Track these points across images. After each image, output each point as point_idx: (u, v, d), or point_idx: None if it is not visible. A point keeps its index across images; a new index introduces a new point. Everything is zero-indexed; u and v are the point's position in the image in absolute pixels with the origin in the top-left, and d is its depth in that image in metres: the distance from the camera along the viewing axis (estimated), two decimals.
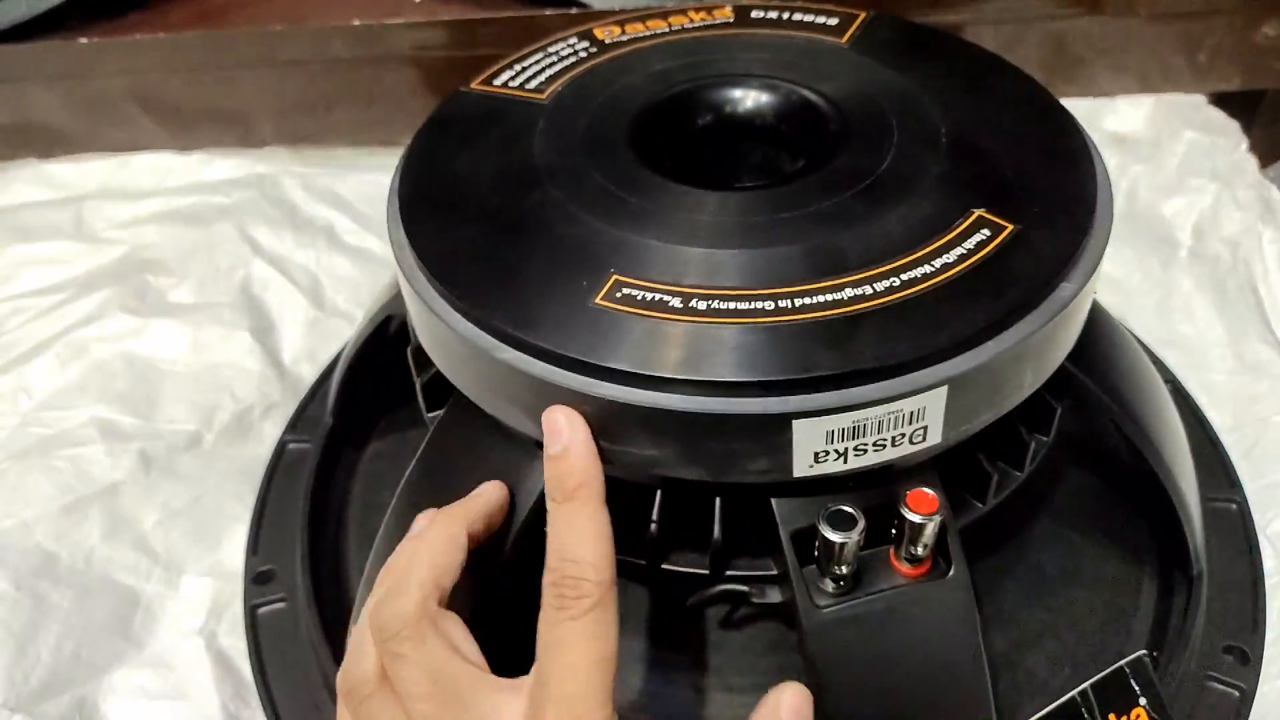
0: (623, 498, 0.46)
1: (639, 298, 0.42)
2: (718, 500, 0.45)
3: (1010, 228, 0.44)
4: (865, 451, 0.41)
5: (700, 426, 0.40)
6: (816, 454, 0.41)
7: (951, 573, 0.44)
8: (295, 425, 0.72)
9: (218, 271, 0.81)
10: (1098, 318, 0.54)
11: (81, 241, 0.85)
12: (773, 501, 0.44)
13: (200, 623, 0.60)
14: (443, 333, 0.45)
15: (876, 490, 0.44)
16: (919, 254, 0.43)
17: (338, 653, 0.54)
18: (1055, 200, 0.46)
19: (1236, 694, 0.55)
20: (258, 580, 0.62)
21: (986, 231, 0.44)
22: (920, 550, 0.44)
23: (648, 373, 0.40)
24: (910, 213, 0.45)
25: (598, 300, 0.42)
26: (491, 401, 0.44)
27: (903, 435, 0.41)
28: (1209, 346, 0.73)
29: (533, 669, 0.40)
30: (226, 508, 0.67)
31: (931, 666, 0.44)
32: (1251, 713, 0.55)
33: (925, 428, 0.41)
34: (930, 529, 0.43)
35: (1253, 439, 0.68)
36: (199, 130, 0.92)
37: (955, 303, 0.41)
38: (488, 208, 0.48)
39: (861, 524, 0.42)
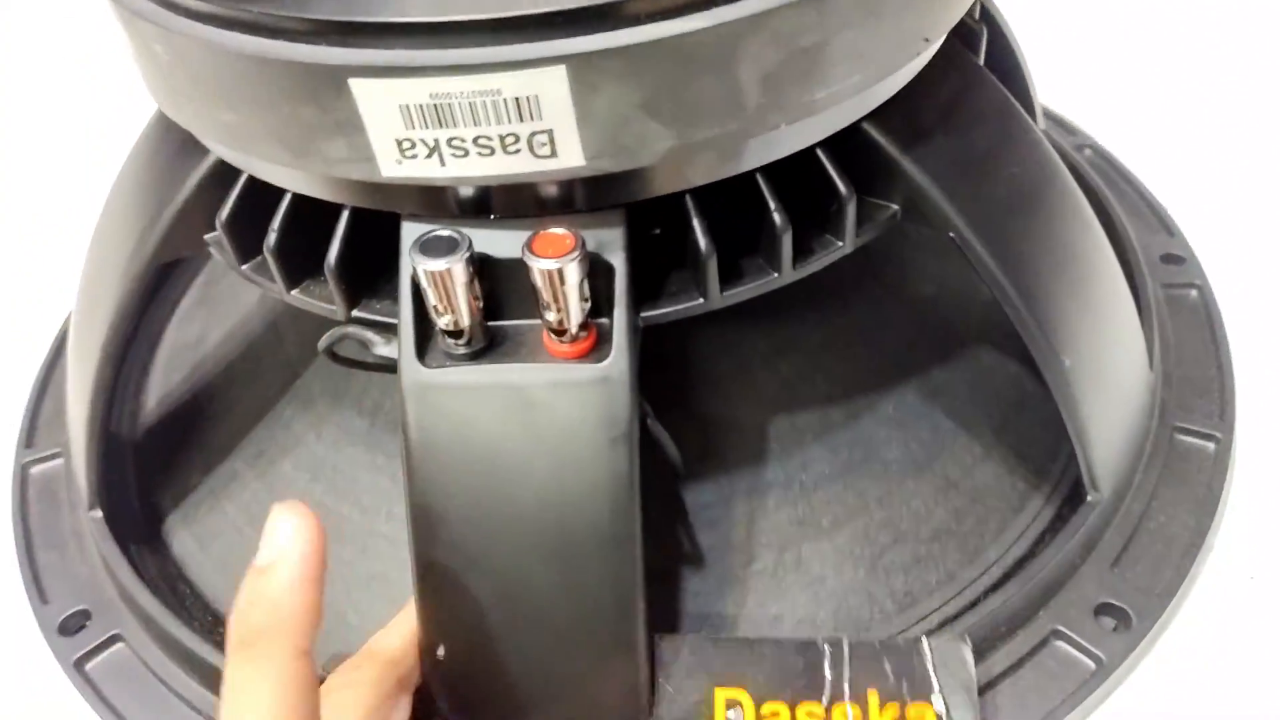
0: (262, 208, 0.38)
1: None
2: (344, 213, 0.36)
3: None
4: (465, 153, 0.30)
5: (252, 77, 0.31)
6: (401, 143, 0.30)
7: (608, 360, 0.33)
8: None
9: None
10: (965, 70, 0.39)
11: None
12: (402, 224, 0.34)
13: None
14: None
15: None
16: None
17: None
18: None
19: (1092, 664, 0.40)
20: None
21: None
22: (554, 316, 0.33)
23: (187, 1, 0.31)
24: None
25: None
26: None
27: (515, 138, 0.30)
28: None
29: None
30: None
31: (559, 476, 0.34)
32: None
33: (549, 133, 0.30)
34: (570, 285, 0.32)
35: None
36: None
37: None
38: None
39: (465, 253, 0.32)
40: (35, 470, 0.53)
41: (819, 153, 0.35)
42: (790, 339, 0.45)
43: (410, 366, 0.34)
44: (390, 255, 0.35)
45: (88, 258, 0.46)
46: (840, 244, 0.37)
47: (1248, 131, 0.66)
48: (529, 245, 0.32)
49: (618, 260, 0.33)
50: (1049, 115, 0.65)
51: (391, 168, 0.31)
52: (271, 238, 0.37)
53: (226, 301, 0.56)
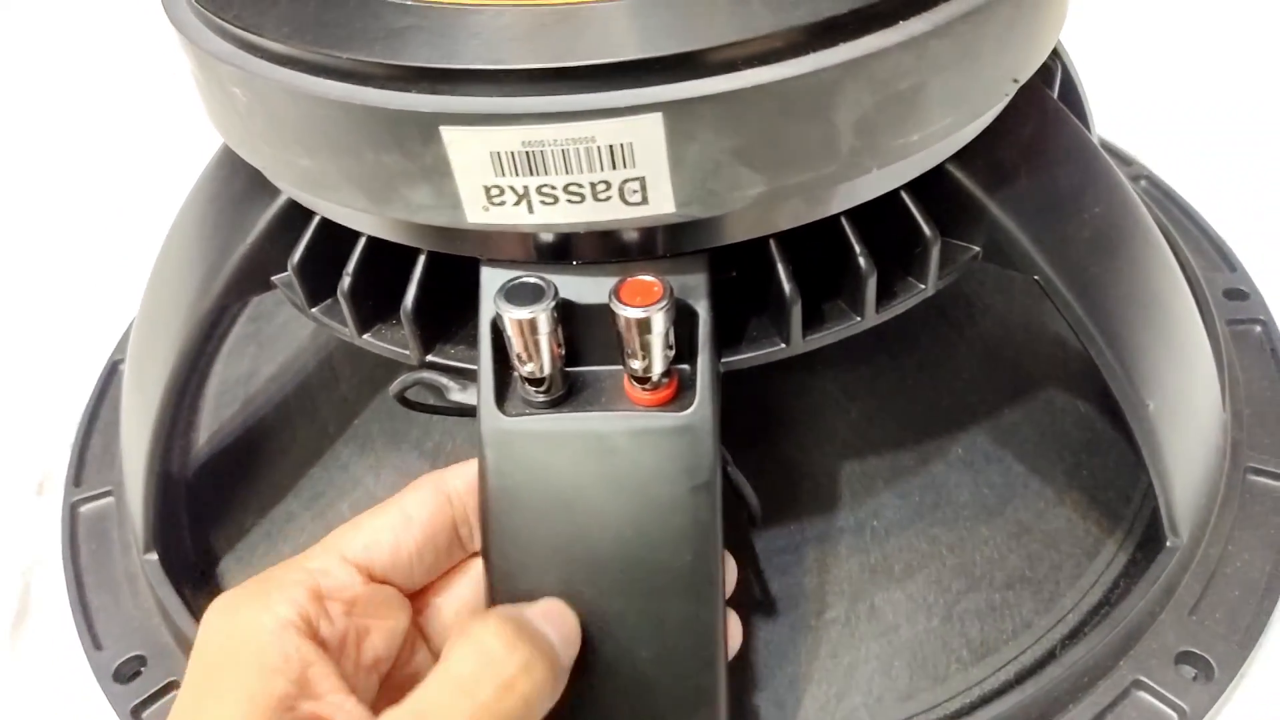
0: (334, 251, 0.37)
1: None
2: (421, 258, 0.35)
3: None
4: (555, 200, 0.30)
5: (337, 123, 0.30)
6: (489, 190, 0.30)
7: (691, 408, 0.33)
8: None
9: None
10: (1045, 108, 0.39)
11: None
12: (481, 270, 0.34)
13: None
14: None
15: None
16: None
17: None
18: None
19: (1175, 715, 0.39)
20: None
21: None
22: (639, 364, 0.32)
23: (271, 45, 0.31)
24: None
25: None
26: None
27: (606, 186, 0.29)
28: None
29: None
30: None
31: (640, 525, 0.33)
32: None
33: (641, 180, 0.29)
34: (656, 334, 0.31)
35: None
36: None
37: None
38: None
39: (551, 300, 0.31)
40: (85, 509, 0.52)
41: (903, 195, 0.35)
42: (860, 381, 0.44)
43: (490, 414, 0.33)
44: (465, 299, 0.35)
45: (145, 298, 0.46)
46: (923, 286, 0.36)
47: None
48: (616, 293, 0.31)
49: (701, 307, 0.33)
50: (1103, 146, 0.64)
51: (478, 214, 0.31)
52: (346, 281, 0.36)
53: (277, 338, 0.56)
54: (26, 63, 0.94)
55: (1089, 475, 0.45)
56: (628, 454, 0.33)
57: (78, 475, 0.54)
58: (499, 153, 0.29)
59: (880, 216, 0.35)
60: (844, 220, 0.34)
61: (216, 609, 0.30)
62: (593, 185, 0.30)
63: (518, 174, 0.29)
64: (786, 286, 0.33)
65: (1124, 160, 0.64)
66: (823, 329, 0.35)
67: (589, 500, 0.33)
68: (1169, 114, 0.71)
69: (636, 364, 0.32)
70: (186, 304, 0.41)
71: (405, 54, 0.29)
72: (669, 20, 0.29)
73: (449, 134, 0.29)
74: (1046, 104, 0.39)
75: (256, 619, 0.29)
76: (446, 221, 0.31)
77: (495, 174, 0.30)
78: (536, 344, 0.32)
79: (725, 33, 0.28)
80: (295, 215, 0.38)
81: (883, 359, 0.45)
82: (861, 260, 0.34)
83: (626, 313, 0.31)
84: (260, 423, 0.52)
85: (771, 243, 0.34)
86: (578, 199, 0.30)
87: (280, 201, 0.38)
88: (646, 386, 0.33)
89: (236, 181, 0.41)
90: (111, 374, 0.60)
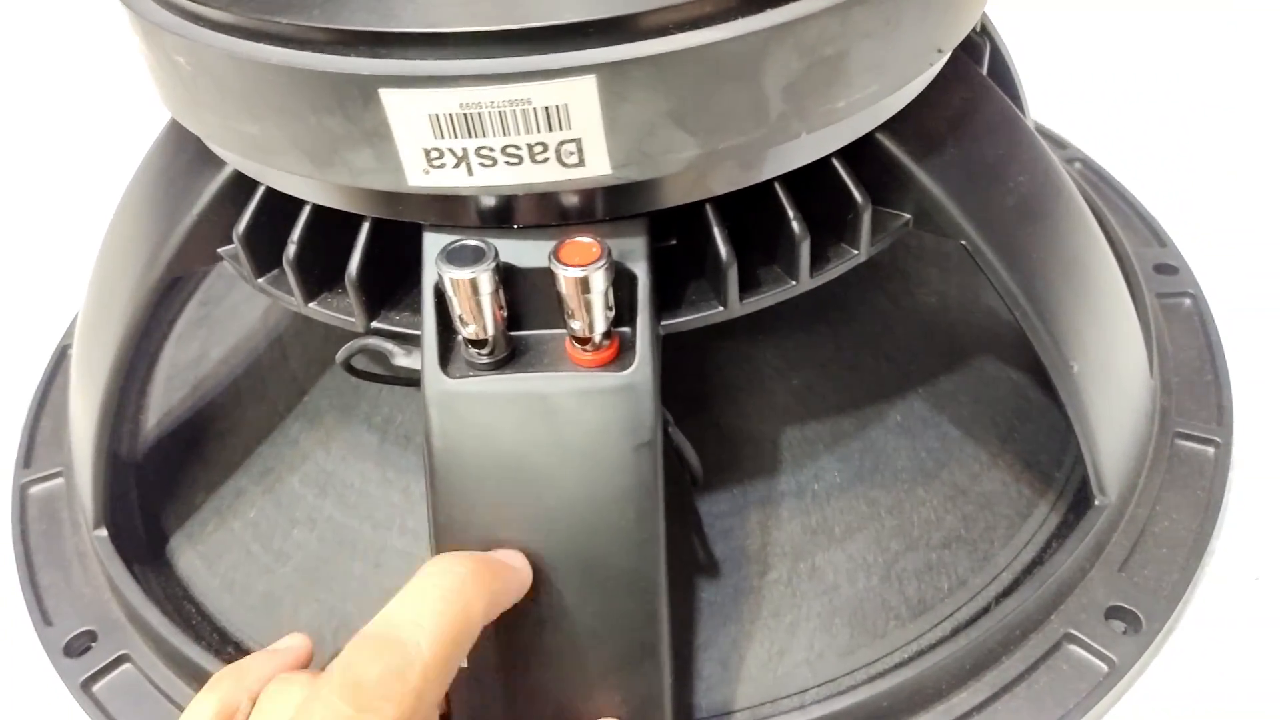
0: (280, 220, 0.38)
1: None
2: (365, 224, 0.36)
3: None
4: (494, 162, 0.31)
5: (279, 88, 0.31)
6: (429, 153, 0.31)
7: (631, 368, 0.34)
8: None
9: None
10: (972, 81, 0.40)
11: None
12: (424, 235, 0.34)
13: None
14: None
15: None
16: None
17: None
18: None
19: (1105, 667, 0.41)
20: None
21: None
22: (580, 325, 0.33)
23: (213, 14, 0.31)
24: None
25: None
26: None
27: (544, 147, 0.30)
28: None
29: None
30: None
31: (584, 483, 0.34)
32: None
33: (578, 142, 0.30)
34: (595, 293, 0.32)
35: None
36: None
37: None
38: None
39: (492, 262, 0.32)
40: (35, 490, 0.52)
41: (835, 162, 0.36)
42: (800, 351, 0.45)
43: (434, 376, 0.34)
44: (409, 266, 0.36)
45: (94, 273, 0.46)
46: (855, 252, 0.37)
47: (1234, 142, 0.68)
48: (555, 254, 0.32)
49: (640, 269, 0.34)
50: (1038, 130, 0.66)
51: (418, 177, 0.31)
52: (291, 250, 0.37)
53: (227, 320, 0.56)
54: None
55: (1021, 441, 0.47)
56: (570, 414, 0.34)
57: (27, 457, 0.54)
58: (438, 115, 0.30)
59: (814, 183, 0.36)
60: (778, 186, 0.35)
61: None
62: (530, 147, 0.30)
63: (456, 136, 0.30)
64: (723, 250, 0.34)
65: (1059, 144, 0.66)
66: (759, 292, 0.36)
67: (533, 460, 0.34)
68: (1103, 99, 0.73)
69: (577, 325, 0.33)
70: (135, 276, 0.41)
71: (344, 18, 0.30)
72: None
73: (388, 96, 0.30)
74: (974, 78, 0.41)
75: None
76: (388, 185, 0.32)
77: (434, 136, 0.30)
78: (478, 305, 0.33)
79: None
80: (241, 187, 0.38)
81: (822, 329, 0.46)
82: (795, 225, 0.35)
83: (566, 272, 0.32)
84: (210, 403, 0.52)
85: (708, 207, 0.35)
86: (515, 160, 0.31)
87: (226, 173, 0.39)
88: (588, 348, 0.34)
89: (182, 156, 0.41)
90: (61, 359, 0.60)
